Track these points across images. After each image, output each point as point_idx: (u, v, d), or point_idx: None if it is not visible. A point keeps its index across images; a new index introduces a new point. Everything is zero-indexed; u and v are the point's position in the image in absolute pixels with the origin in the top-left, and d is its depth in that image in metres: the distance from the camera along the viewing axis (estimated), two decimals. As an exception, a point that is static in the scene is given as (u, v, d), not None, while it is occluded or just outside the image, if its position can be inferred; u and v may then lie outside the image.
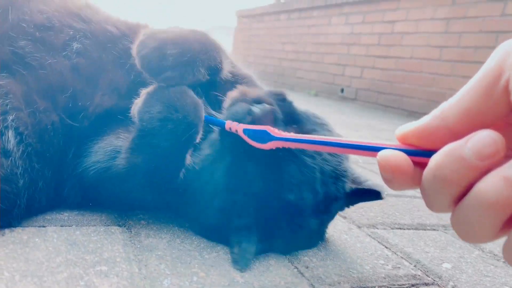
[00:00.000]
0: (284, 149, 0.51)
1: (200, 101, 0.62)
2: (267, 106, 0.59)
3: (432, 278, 0.67)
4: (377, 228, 0.88)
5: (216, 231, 0.66)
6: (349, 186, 0.67)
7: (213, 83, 0.70)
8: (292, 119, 0.65)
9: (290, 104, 0.67)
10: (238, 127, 0.56)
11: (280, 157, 0.60)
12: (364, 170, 1.44)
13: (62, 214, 0.69)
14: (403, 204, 1.09)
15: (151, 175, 0.62)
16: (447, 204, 0.31)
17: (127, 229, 0.67)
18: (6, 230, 0.59)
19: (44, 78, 0.68)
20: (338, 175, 0.65)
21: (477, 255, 0.81)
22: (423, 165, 0.31)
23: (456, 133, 0.30)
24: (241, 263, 0.60)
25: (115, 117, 0.70)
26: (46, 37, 0.71)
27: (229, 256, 0.63)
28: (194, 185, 0.65)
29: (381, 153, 0.33)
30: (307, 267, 0.64)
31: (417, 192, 1.24)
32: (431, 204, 0.32)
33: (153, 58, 0.59)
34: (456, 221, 0.30)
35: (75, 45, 0.72)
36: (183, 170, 0.63)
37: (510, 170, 0.26)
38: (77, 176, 0.68)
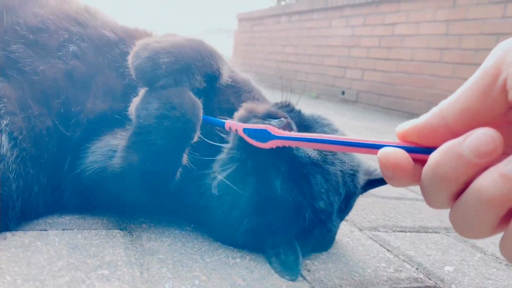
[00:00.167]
0: (309, 163, 0.52)
1: (198, 101, 0.62)
2: (283, 120, 0.59)
3: (434, 281, 0.67)
4: (379, 231, 0.87)
5: (247, 245, 0.67)
6: (362, 178, 0.70)
7: (213, 90, 0.70)
8: (303, 126, 0.67)
9: (299, 112, 0.69)
10: (238, 127, 0.56)
11: (306, 171, 0.62)
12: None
13: (63, 217, 0.69)
14: (405, 206, 1.09)
15: (147, 174, 0.62)
16: (446, 200, 0.31)
17: (128, 232, 0.67)
18: (8, 234, 0.60)
19: (38, 83, 0.68)
20: (354, 171, 0.68)
21: (479, 258, 0.81)
22: (423, 162, 0.32)
23: (455, 131, 0.31)
24: (290, 273, 0.61)
25: (111, 119, 0.70)
26: (39, 39, 0.71)
27: (231, 260, 0.63)
28: (216, 202, 0.65)
29: (381, 151, 0.33)
30: (308, 270, 0.64)
31: (418, 194, 1.23)
32: (430, 201, 0.33)
33: (146, 68, 0.59)
34: (454, 217, 0.31)
35: (71, 47, 0.72)
36: (179, 169, 0.63)
37: (507, 167, 0.27)
38: (76, 178, 0.68)
